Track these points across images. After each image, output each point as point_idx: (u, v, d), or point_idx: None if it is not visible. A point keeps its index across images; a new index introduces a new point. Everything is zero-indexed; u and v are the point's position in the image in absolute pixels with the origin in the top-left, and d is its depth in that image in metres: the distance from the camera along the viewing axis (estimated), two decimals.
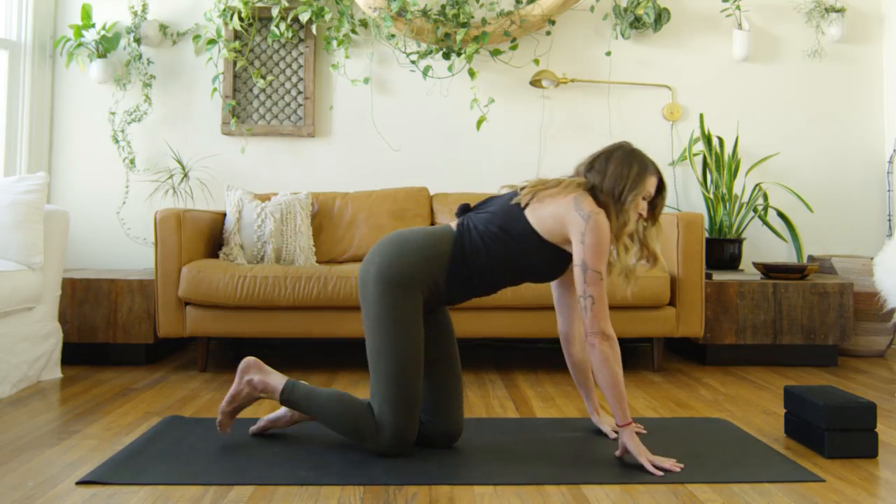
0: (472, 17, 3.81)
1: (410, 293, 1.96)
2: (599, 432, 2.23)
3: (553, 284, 2.22)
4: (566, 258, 2.03)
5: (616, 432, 2.18)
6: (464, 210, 2.11)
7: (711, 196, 3.77)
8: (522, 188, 2.05)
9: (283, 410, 2.15)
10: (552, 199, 1.98)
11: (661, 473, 1.84)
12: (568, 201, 1.95)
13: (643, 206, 2.03)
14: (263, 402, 2.56)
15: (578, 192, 1.97)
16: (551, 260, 2.02)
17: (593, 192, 2.00)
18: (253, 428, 2.17)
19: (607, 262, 1.98)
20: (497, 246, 1.99)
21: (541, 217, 1.98)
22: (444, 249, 2.00)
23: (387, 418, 1.94)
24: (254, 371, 2.09)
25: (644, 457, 1.89)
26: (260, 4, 3.83)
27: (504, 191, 2.11)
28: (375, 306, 1.96)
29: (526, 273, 2.06)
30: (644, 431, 2.23)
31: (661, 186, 2.08)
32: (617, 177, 1.99)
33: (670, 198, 3.98)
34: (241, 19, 3.80)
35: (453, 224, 2.08)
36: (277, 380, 2.08)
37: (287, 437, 2.15)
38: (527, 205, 2.00)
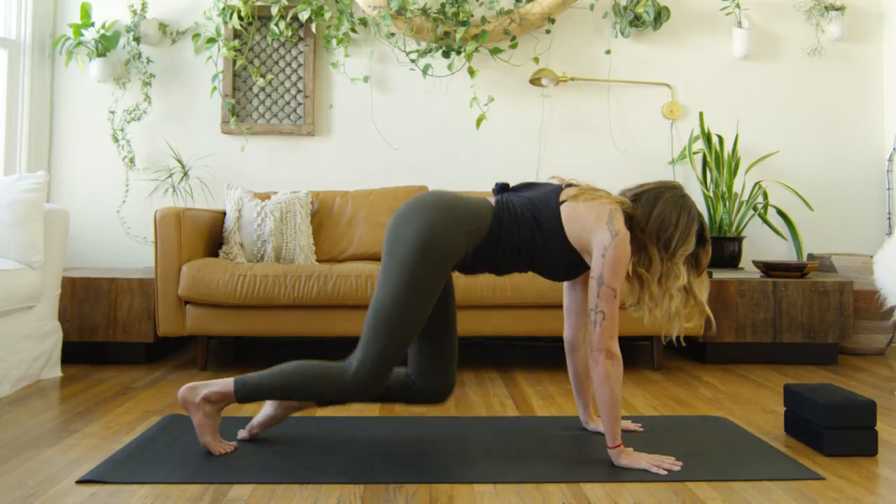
0: (472, 16, 3.81)
1: (443, 269, 1.95)
2: (599, 432, 2.22)
3: (565, 290, 2.20)
4: (582, 267, 2.03)
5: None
6: (502, 189, 2.09)
7: (711, 194, 3.77)
8: (569, 185, 2.04)
9: (267, 410, 2.12)
10: (590, 203, 1.96)
11: (665, 472, 1.84)
12: (602, 212, 1.93)
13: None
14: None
15: (616, 208, 1.95)
16: (569, 263, 2.02)
17: (632, 221, 1.97)
18: (241, 433, 2.11)
19: (623, 281, 1.95)
20: (526, 231, 1.99)
21: (572, 218, 1.96)
22: (482, 224, 1.98)
23: (366, 362, 1.92)
24: (198, 391, 1.99)
25: (644, 462, 1.88)
26: (259, 3, 3.82)
27: (552, 181, 2.09)
28: (404, 267, 1.92)
29: (543, 266, 2.05)
30: (640, 430, 2.23)
31: (705, 238, 2.04)
32: (664, 221, 1.95)
33: None
34: (240, 18, 3.80)
35: (491, 200, 2.06)
36: (225, 383, 2.00)
37: (287, 436, 2.15)
38: (564, 202, 1.98)
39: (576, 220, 1.96)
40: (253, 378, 1.99)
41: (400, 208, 2.02)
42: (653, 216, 1.96)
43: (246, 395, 1.98)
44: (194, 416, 1.98)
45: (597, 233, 1.92)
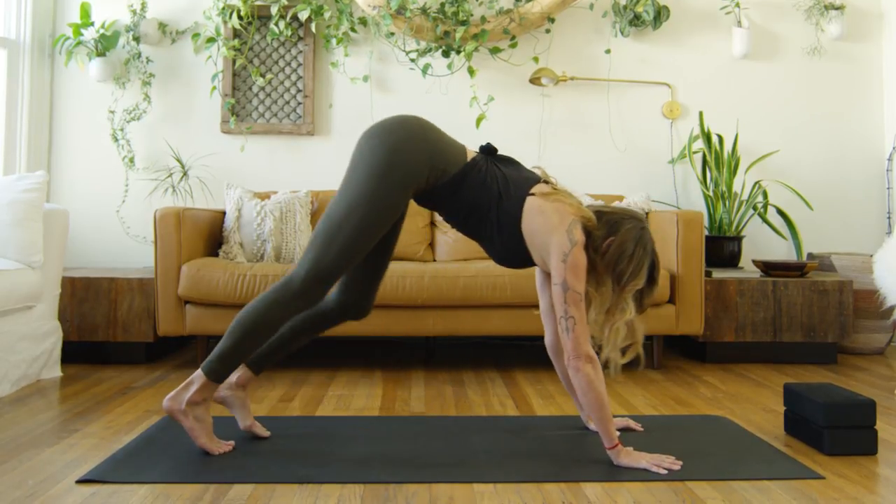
0: (472, 15, 3.81)
1: (404, 192, 1.96)
2: None
3: (541, 296, 2.20)
4: (524, 262, 2.05)
5: (617, 431, 2.17)
6: (487, 151, 2.10)
7: (711, 194, 3.77)
8: (547, 182, 2.05)
9: (230, 397, 2.11)
10: (557, 205, 1.96)
11: (665, 471, 1.84)
12: (565, 218, 1.93)
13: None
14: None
15: (577, 219, 1.94)
16: (511, 251, 2.03)
17: (589, 238, 1.95)
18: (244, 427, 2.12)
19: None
20: (485, 201, 2.00)
21: (535, 213, 1.96)
22: (448, 170, 2.00)
23: (314, 266, 1.91)
24: (180, 398, 1.96)
25: (644, 461, 1.88)
26: (259, 3, 3.82)
27: (535, 170, 2.10)
28: (366, 181, 1.93)
29: (483, 240, 2.06)
30: (640, 429, 2.23)
31: (654, 278, 2.01)
32: (622, 252, 1.94)
33: (670, 195, 3.98)
34: (240, 17, 3.80)
35: (471, 154, 2.07)
36: (198, 377, 1.97)
37: (287, 436, 2.15)
38: (534, 194, 1.99)
39: (538, 216, 1.96)
40: (214, 354, 1.97)
41: (378, 122, 2.05)
42: (613, 245, 1.95)
43: (218, 372, 1.96)
44: (184, 423, 1.97)
45: (555, 236, 1.91)
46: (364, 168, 1.96)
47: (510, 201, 1.99)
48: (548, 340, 2.22)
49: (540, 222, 1.95)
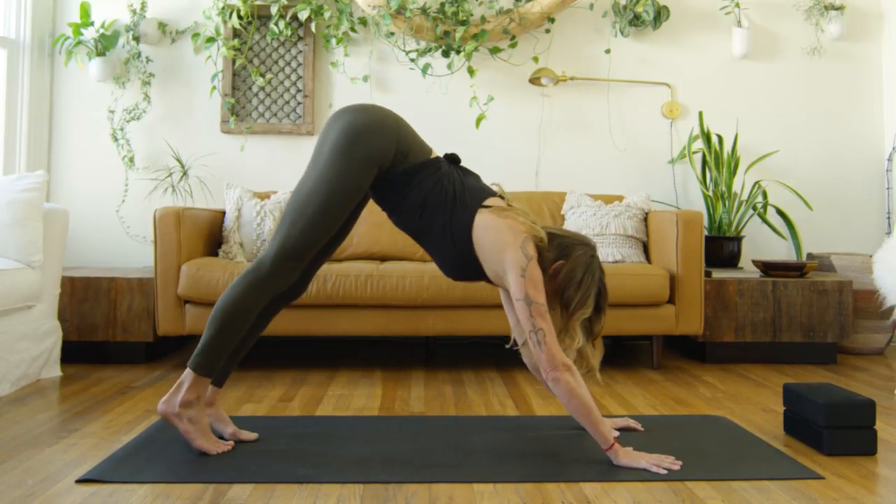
0: (472, 15, 3.81)
1: (368, 168, 1.97)
2: None
3: (509, 315, 2.20)
4: (475, 272, 2.04)
5: (618, 430, 2.18)
6: (452, 160, 2.11)
7: (711, 194, 3.77)
8: (502, 197, 2.05)
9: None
10: (510, 221, 1.96)
11: (664, 471, 1.84)
12: (518, 235, 1.93)
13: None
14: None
15: (529, 237, 1.95)
16: (458, 262, 2.03)
17: (540, 257, 1.95)
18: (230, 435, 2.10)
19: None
20: (436, 203, 2.00)
21: (486, 228, 1.96)
22: (408, 159, 2.01)
23: (285, 244, 1.93)
24: (173, 401, 1.97)
25: (643, 461, 1.88)
26: (259, 2, 3.82)
27: (493, 186, 2.10)
28: (332, 158, 1.95)
29: (428, 245, 2.07)
30: (641, 429, 2.23)
31: (601, 307, 2.02)
32: (570, 278, 1.94)
33: (669, 195, 3.98)
34: (240, 17, 3.80)
35: (434, 155, 2.09)
36: (187, 376, 1.97)
37: (286, 435, 2.15)
38: (488, 207, 1.99)
39: (490, 231, 1.96)
40: (198, 348, 1.98)
41: (347, 105, 2.08)
42: (562, 270, 1.96)
43: (204, 364, 1.97)
44: (179, 426, 1.97)
45: (509, 252, 1.91)
46: (330, 146, 1.98)
47: (464, 210, 1.99)
48: (527, 360, 2.20)
49: (492, 237, 1.95)
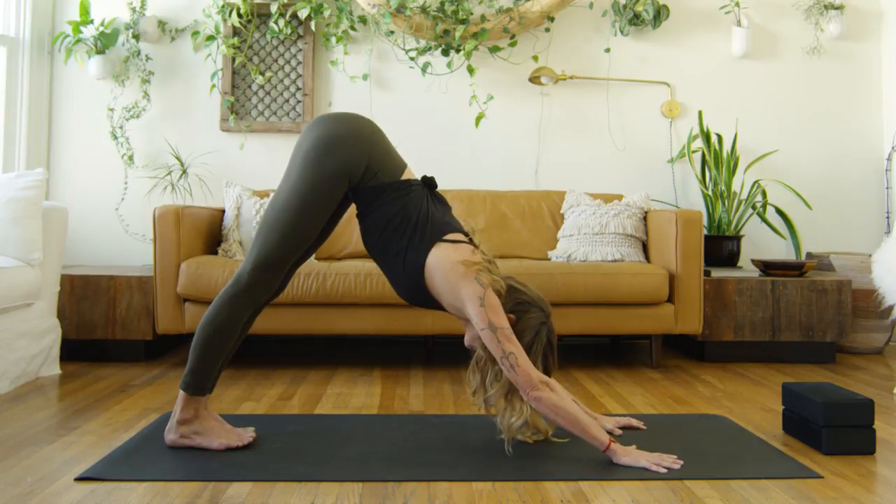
0: (472, 14, 3.81)
1: (339, 180, 1.97)
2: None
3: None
4: (421, 299, 2.04)
5: (620, 429, 2.18)
6: (428, 184, 2.08)
7: (710, 193, 3.78)
8: (469, 238, 2.03)
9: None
10: (463, 255, 1.95)
11: (665, 470, 1.84)
12: (470, 267, 1.92)
13: None
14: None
15: (483, 269, 1.94)
16: (412, 290, 2.02)
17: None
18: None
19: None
20: (396, 231, 1.98)
21: (442, 261, 1.94)
22: (380, 176, 2.00)
23: (261, 258, 1.95)
24: (172, 425, 1.99)
25: (643, 460, 1.88)
26: (258, 1, 3.82)
27: (465, 225, 2.08)
28: (305, 167, 1.97)
29: (391, 272, 2.05)
30: (643, 427, 2.23)
31: (547, 372, 2.00)
32: (518, 336, 1.92)
33: (669, 194, 3.98)
34: (239, 16, 3.79)
35: (411, 175, 2.07)
36: (179, 398, 2.00)
37: (286, 434, 2.15)
38: (444, 242, 1.97)
39: (443, 263, 1.94)
40: (187, 368, 2.00)
41: (324, 114, 2.09)
42: (519, 322, 1.95)
43: (196, 385, 1.99)
44: (192, 445, 1.98)
45: (465, 284, 1.90)
46: (301, 156, 1.99)
47: (422, 241, 1.97)
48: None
49: (444, 272, 1.93)
